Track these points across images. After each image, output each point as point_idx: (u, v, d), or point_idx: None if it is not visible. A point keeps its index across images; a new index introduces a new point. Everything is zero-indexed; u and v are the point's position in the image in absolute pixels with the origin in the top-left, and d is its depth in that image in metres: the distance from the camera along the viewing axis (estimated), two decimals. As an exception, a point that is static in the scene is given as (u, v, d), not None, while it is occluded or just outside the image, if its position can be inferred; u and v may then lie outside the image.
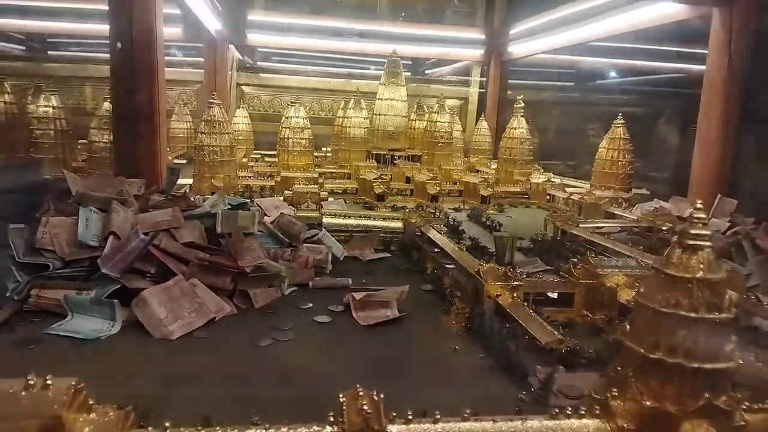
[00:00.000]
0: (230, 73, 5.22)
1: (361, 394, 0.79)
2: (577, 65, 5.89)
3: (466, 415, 0.80)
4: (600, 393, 0.85)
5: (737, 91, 2.80)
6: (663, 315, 0.77)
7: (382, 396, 0.78)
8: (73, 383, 0.66)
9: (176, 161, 3.85)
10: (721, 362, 0.76)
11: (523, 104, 3.74)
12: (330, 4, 5.93)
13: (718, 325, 0.76)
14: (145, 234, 1.43)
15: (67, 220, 1.44)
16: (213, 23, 4.41)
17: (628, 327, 0.83)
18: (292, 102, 3.55)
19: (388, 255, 2.13)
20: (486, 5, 5.62)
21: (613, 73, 5.92)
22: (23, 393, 0.64)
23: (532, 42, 4.74)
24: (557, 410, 0.81)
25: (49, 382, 0.66)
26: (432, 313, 1.54)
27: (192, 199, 1.89)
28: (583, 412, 0.82)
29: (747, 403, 0.86)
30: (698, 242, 0.78)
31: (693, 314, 0.76)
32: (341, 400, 0.78)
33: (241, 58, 5.56)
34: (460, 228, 2.48)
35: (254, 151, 4.60)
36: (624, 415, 0.80)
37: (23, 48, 5.65)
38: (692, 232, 0.78)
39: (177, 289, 1.32)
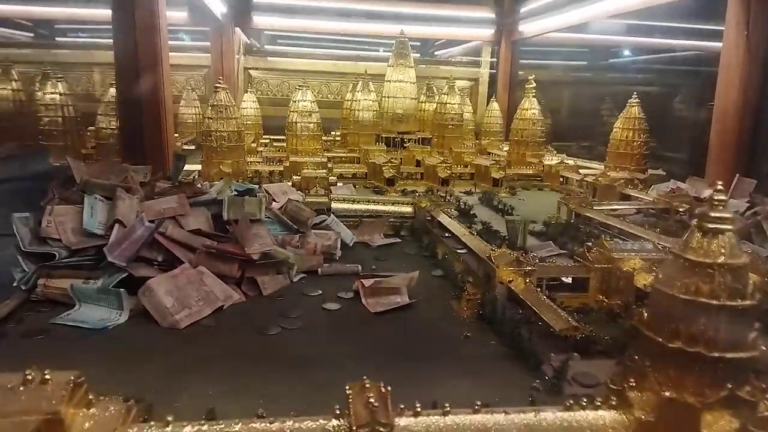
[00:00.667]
0: (237, 57, 5.18)
1: (367, 385, 0.76)
2: (590, 44, 5.77)
3: (477, 406, 0.77)
4: (616, 383, 0.82)
5: (755, 67, 2.72)
6: (683, 302, 0.74)
7: (389, 388, 0.76)
8: (73, 377, 0.64)
9: (185, 147, 3.84)
10: (743, 351, 0.72)
11: (534, 84, 3.67)
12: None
13: (741, 313, 0.72)
14: (151, 221, 1.42)
15: (72, 208, 1.43)
16: (218, 6, 4.36)
17: (645, 314, 0.80)
18: (299, 86, 3.51)
19: (398, 240, 2.11)
20: (496, -17, 5.51)
21: (627, 52, 5.79)
22: (21, 388, 0.62)
23: (544, 20, 4.64)
24: (571, 401, 0.78)
25: (47, 376, 0.64)
26: (443, 300, 1.51)
27: (199, 185, 1.87)
28: (599, 403, 0.79)
29: (771, 393, 0.84)
30: (719, 225, 0.74)
31: (714, 301, 0.72)
32: (348, 392, 0.75)
33: (248, 41, 5.51)
34: (471, 212, 2.44)
35: (263, 136, 4.57)
36: (642, 406, 0.77)
37: (31, 35, 5.65)
38: (712, 215, 0.74)
39: (184, 277, 1.31)
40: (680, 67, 5.08)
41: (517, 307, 1.36)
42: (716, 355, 0.72)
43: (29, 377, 0.64)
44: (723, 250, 0.73)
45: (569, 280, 1.53)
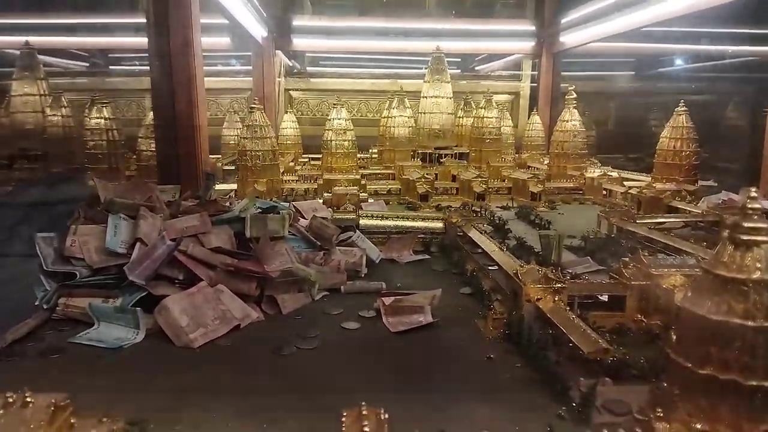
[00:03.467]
0: (278, 79, 5.29)
1: (365, 412, 0.72)
2: (634, 52, 5.59)
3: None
4: (643, 413, 0.74)
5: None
6: (714, 323, 0.66)
7: (386, 416, 0.71)
8: (54, 400, 0.63)
9: (226, 167, 3.92)
10: (787, 380, 0.64)
11: (575, 95, 3.55)
12: (377, 4, 5.91)
13: (783, 336, 0.64)
14: (172, 240, 1.42)
15: (96, 227, 1.45)
16: (259, 31, 4.47)
17: (674, 337, 0.72)
18: (334, 104, 3.53)
19: (427, 257, 2.05)
20: (536, -5, 5.42)
21: (675, 60, 5.58)
22: (1, 411, 0.61)
23: (585, 30, 4.51)
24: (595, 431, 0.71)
25: (29, 399, 0.62)
26: (469, 319, 1.44)
27: (227, 204, 1.87)
28: (622, 436, 0.71)
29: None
30: (753, 237, 0.66)
31: (750, 322, 0.64)
32: (343, 419, 0.71)
33: (289, 63, 5.62)
34: (506, 227, 2.36)
35: (303, 155, 4.62)
36: (670, 439, 0.69)
37: (86, 64, 5.95)
38: (746, 225, 0.66)
39: (200, 296, 1.30)
40: (732, 74, 4.84)
41: (546, 328, 1.28)
42: (754, 383, 0.64)
43: (10, 400, 0.63)
44: (758, 264, 0.65)
45: (605, 298, 1.44)
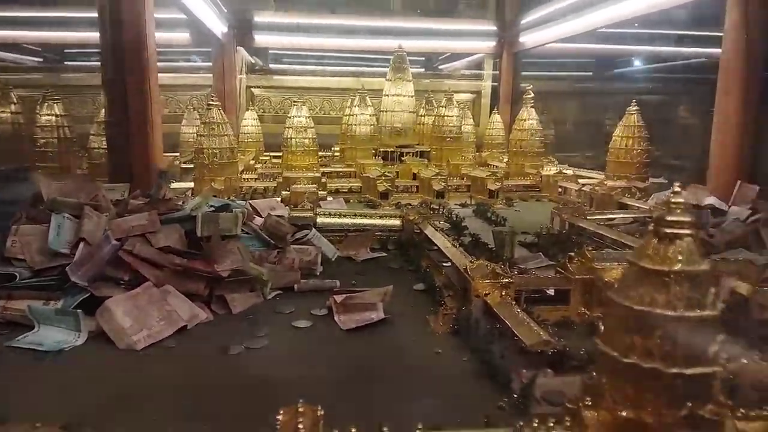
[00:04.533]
0: (240, 76, 5.22)
1: (301, 409, 0.71)
2: (592, 53, 5.72)
3: (419, 429, 0.72)
4: (574, 402, 0.76)
5: (755, 72, 2.64)
6: (637, 313, 0.68)
7: (322, 412, 0.71)
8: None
9: (184, 165, 3.85)
10: (704, 366, 0.66)
11: (532, 95, 3.62)
12: (341, 1, 5.89)
13: (701, 324, 0.66)
14: (118, 240, 1.38)
15: (39, 227, 1.40)
16: (218, 26, 4.40)
17: (601, 327, 0.74)
18: (294, 101, 3.50)
19: (384, 254, 2.06)
20: (497, -5, 5.50)
21: (630, 61, 5.74)
22: None
23: (544, 31, 4.60)
24: (521, 423, 0.72)
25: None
26: (421, 315, 1.45)
27: (180, 202, 1.84)
28: (552, 425, 0.73)
29: (743, 411, 0.77)
30: (676, 230, 0.68)
31: (671, 312, 0.66)
32: (278, 417, 0.70)
33: (252, 60, 5.55)
34: (462, 224, 2.39)
35: (264, 153, 4.58)
36: (597, 426, 0.71)
37: (40, 59, 5.75)
38: (669, 219, 0.68)
39: (145, 296, 1.27)
40: (684, 75, 5.01)
41: (495, 322, 1.30)
42: (674, 371, 0.66)
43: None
44: (680, 257, 0.67)
45: (552, 292, 1.47)
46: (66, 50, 5.80)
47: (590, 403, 0.73)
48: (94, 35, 2.40)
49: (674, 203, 0.70)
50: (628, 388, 0.70)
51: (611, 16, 3.67)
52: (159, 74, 2.45)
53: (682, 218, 0.68)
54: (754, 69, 2.66)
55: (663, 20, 4.10)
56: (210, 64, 4.97)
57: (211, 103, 2.86)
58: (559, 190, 3.21)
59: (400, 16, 5.62)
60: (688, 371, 0.66)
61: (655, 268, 0.68)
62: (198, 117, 4.79)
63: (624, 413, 0.69)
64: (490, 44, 5.32)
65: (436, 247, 1.91)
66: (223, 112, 2.91)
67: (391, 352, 1.24)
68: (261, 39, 5.06)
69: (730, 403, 0.73)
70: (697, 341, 0.66)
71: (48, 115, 3.10)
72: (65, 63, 5.86)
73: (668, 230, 0.69)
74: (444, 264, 1.76)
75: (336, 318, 1.39)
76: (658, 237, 0.69)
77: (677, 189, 0.71)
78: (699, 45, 4.65)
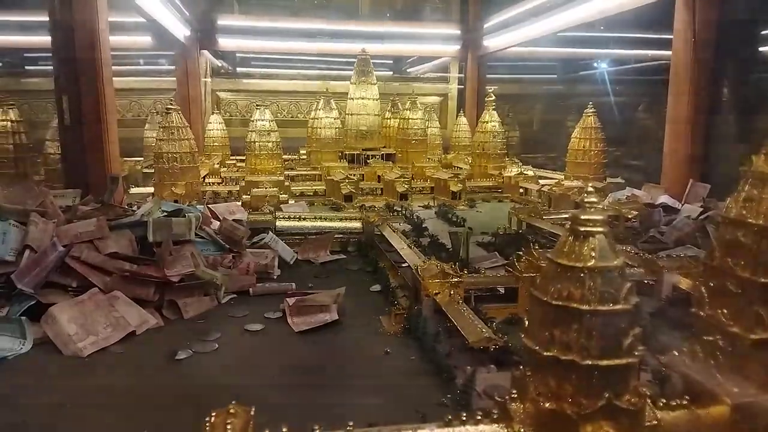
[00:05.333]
0: (204, 79, 5.17)
1: (232, 411, 0.72)
2: (555, 56, 5.84)
3: (349, 427, 0.73)
4: (502, 395, 0.79)
5: (704, 73, 2.74)
6: (555, 308, 0.71)
7: (252, 413, 0.72)
8: None
9: (146, 170, 3.80)
10: (618, 358, 0.69)
11: (494, 97, 3.68)
12: (308, 5, 5.89)
13: (614, 318, 0.69)
14: (65, 246, 1.37)
15: (-18, 235, 1.38)
16: (181, 29, 4.35)
17: (526, 322, 0.77)
18: (257, 105, 3.49)
19: (344, 257, 2.07)
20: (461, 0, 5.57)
21: (591, 63, 5.87)
22: None
23: (506, 35, 4.68)
24: (449, 417, 0.75)
25: None
26: (375, 315, 1.47)
27: (132, 207, 1.82)
28: (480, 417, 0.75)
29: (664, 401, 0.81)
30: (589, 228, 0.71)
31: (585, 306, 0.69)
32: (209, 419, 0.71)
33: (218, 64, 5.51)
34: (423, 225, 2.42)
35: (231, 157, 4.54)
36: (522, 418, 0.74)
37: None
38: (583, 217, 0.71)
39: (91, 303, 1.26)
40: (644, 77, 5.14)
41: (445, 321, 1.33)
42: (590, 363, 0.69)
43: None
44: (593, 253, 0.70)
45: (503, 290, 1.50)
46: (25, 54, 5.67)
47: (516, 396, 0.76)
48: (48, 39, 2.35)
49: (588, 203, 0.73)
50: (550, 380, 0.72)
51: (571, 19, 3.76)
52: (122, 78, 2.43)
53: (595, 217, 0.71)
54: (703, 71, 2.76)
55: (624, 23, 4.21)
56: (173, 67, 4.92)
57: (170, 107, 2.83)
58: (521, 190, 3.27)
59: (367, 19, 5.65)
60: (603, 363, 0.69)
61: (570, 265, 0.71)
62: (161, 121, 4.74)
63: (547, 405, 0.72)
64: (455, 48, 5.38)
65: (393, 249, 1.93)
66: (182, 116, 2.88)
67: (341, 352, 1.25)
68: (225, 42, 5.02)
69: (650, 393, 0.76)
70: (611, 334, 0.69)
71: (3, 120, 3.02)
72: (25, 67, 5.73)
73: (582, 228, 0.72)
74: (400, 265, 1.79)
75: (289, 320, 1.40)
76: (573, 235, 0.72)
77: (591, 190, 0.75)
78: (658, 47, 4.79)
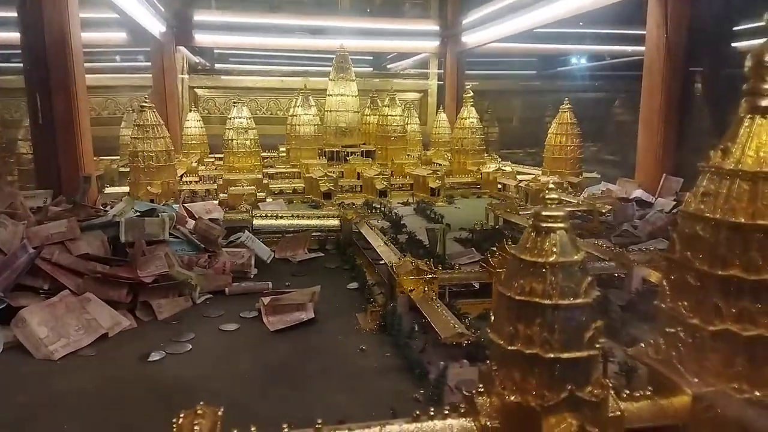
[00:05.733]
0: (181, 75, 5.12)
1: (199, 411, 0.72)
2: (534, 52, 5.89)
3: (318, 425, 0.74)
4: (469, 389, 0.80)
5: (676, 69, 2.78)
6: (518, 303, 0.72)
7: (220, 413, 0.72)
8: None
9: (122, 169, 3.76)
10: (580, 351, 0.71)
11: (471, 94, 3.70)
12: (287, 1, 5.85)
13: (575, 312, 0.71)
14: (35, 248, 1.35)
15: (-51, 238, 1.35)
16: (156, 26, 4.30)
17: (492, 317, 0.78)
18: (234, 102, 3.47)
19: (322, 254, 2.07)
20: (440, -4, 5.58)
21: (569, 59, 5.93)
22: None
23: (484, 31, 4.70)
24: (417, 412, 0.76)
25: None
26: (351, 313, 1.48)
27: (105, 207, 1.80)
28: (447, 412, 0.77)
29: (627, 392, 0.83)
30: (551, 224, 0.72)
31: (547, 301, 0.70)
32: (176, 420, 0.71)
33: (195, 60, 5.45)
34: (401, 222, 2.43)
35: (209, 155, 4.50)
36: (488, 412, 0.75)
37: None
38: (544, 213, 0.73)
39: (62, 305, 1.24)
40: (620, 72, 5.21)
41: (420, 317, 1.34)
42: (552, 356, 0.71)
43: None
44: (554, 249, 0.72)
45: (477, 286, 1.52)
46: (-1, 51, 5.55)
47: (483, 390, 0.77)
48: (17, 36, 2.31)
49: (549, 199, 0.74)
50: (514, 373, 0.74)
51: (546, 17, 3.79)
52: (96, 75, 2.39)
53: (556, 213, 0.73)
54: (676, 66, 2.81)
55: (602, 19, 4.26)
56: (148, 64, 4.86)
57: (144, 104, 2.80)
58: (499, 186, 3.30)
59: (347, 15, 5.63)
60: (565, 356, 0.70)
61: (532, 260, 0.72)
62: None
63: (512, 398, 0.73)
64: (434, 44, 5.40)
65: (371, 246, 1.93)
66: (158, 114, 2.86)
67: (316, 350, 1.26)
68: (201, 38, 4.97)
69: (613, 384, 0.78)
70: (572, 328, 0.71)
71: (-27, 120, 2.97)
72: (-1, 64, 5.60)
73: (544, 225, 0.73)
74: (378, 262, 1.79)
75: (264, 320, 1.40)
76: (536, 231, 0.74)
77: (552, 186, 0.76)
78: (634, 43, 4.85)
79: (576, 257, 0.72)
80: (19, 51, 5.16)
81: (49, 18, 2.20)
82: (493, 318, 0.78)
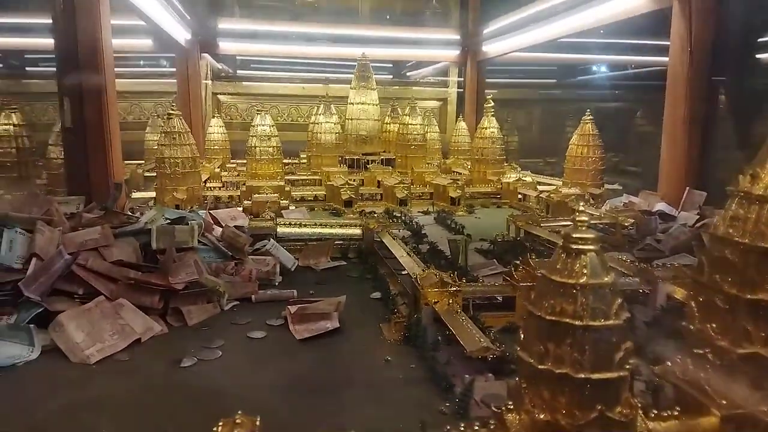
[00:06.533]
0: (205, 82, 5.20)
1: (238, 421, 0.75)
2: (555, 62, 5.88)
3: (350, 436, 0.76)
4: (499, 405, 0.82)
5: (700, 81, 2.77)
6: (549, 323, 0.74)
7: (258, 423, 0.75)
8: None
9: (147, 174, 3.83)
10: (611, 371, 0.72)
11: (492, 103, 3.71)
12: (308, 9, 5.92)
13: (606, 333, 0.72)
14: (71, 254, 1.40)
15: (-10, 243, 1.40)
16: (182, 33, 4.38)
17: (522, 336, 0.80)
18: (258, 110, 3.52)
19: (344, 263, 2.10)
20: (460, 5, 5.60)
21: (591, 69, 5.91)
22: None
23: (505, 40, 4.72)
24: (448, 427, 0.78)
25: None
26: (375, 323, 1.50)
27: (135, 214, 1.85)
28: (477, 428, 0.78)
29: (655, 411, 0.83)
30: (581, 246, 0.74)
31: (578, 322, 0.72)
32: (216, 429, 0.74)
33: (218, 67, 5.54)
34: (422, 231, 2.45)
35: (231, 161, 4.57)
36: (517, 429, 0.77)
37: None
38: (575, 235, 0.74)
39: (98, 310, 1.28)
40: (642, 83, 5.18)
41: (444, 329, 1.35)
42: (582, 376, 0.72)
43: None
44: (585, 270, 0.73)
45: (501, 299, 1.53)
46: (26, 56, 5.70)
47: (512, 407, 0.79)
48: (51, 42, 2.38)
49: (579, 221, 0.76)
50: (544, 392, 0.75)
51: (570, 26, 3.79)
52: (122, 81, 2.45)
53: (587, 235, 0.74)
54: (700, 78, 2.79)
55: (624, 30, 4.24)
56: (174, 70, 4.95)
57: (171, 112, 2.86)
58: (519, 196, 3.30)
59: (367, 23, 5.68)
60: (595, 376, 0.72)
61: (563, 281, 0.74)
62: (162, 124, 4.77)
63: (542, 416, 0.75)
64: (455, 53, 5.42)
65: (393, 256, 1.95)
66: (184, 121, 2.91)
67: (342, 360, 1.28)
68: (225, 46, 5.05)
69: (641, 404, 0.79)
70: (602, 348, 0.72)
71: (5, 124, 3.05)
72: (26, 69, 5.75)
73: (575, 246, 0.74)
74: (400, 272, 1.81)
75: (291, 328, 1.42)
76: (566, 252, 0.75)
77: (582, 208, 0.78)
78: (656, 53, 4.83)
79: (606, 279, 0.73)
80: (48, 56, 5.31)
81: (82, 25, 2.26)
82: (522, 336, 0.79)
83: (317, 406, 1.07)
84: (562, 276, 0.74)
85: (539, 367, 0.74)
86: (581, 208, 0.77)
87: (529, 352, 0.76)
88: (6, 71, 5.53)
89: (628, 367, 0.74)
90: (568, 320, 0.72)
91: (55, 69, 2.31)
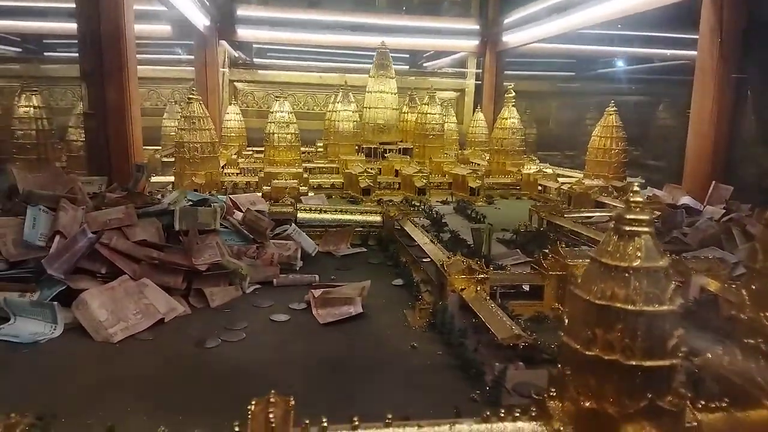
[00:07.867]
0: (222, 69, 5.18)
1: (272, 400, 0.73)
2: (575, 53, 5.78)
3: (388, 420, 0.73)
4: (540, 393, 0.79)
5: (729, 74, 2.70)
6: (598, 308, 0.70)
7: (292, 402, 0.72)
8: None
9: (164, 159, 3.83)
10: (662, 359, 0.69)
11: (513, 94, 3.65)
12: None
13: (659, 319, 0.69)
14: (94, 233, 1.38)
15: (14, 219, 1.39)
16: (200, 19, 4.36)
17: (566, 321, 0.76)
18: (276, 97, 3.49)
19: (364, 250, 2.07)
20: (480, -5, 5.53)
21: (612, 61, 5.81)
22: None
23: (526, 31, 4.65)
24: (488, 413, 0.75)
25: None
26: (398, 309, 1.47)
27: (157, 196, 1.84)
28: (518, 414, 0.75)
29: (703, 402, 0.80)
30: (635, 228, 0.70)
31: (630, 306, 0.68)
32: (250, 407, 0.72)
33: (235, 54, 5.52)
34: (442, 221, 2.41)
35: (247, 148, 4.56)
36: (561, 416, 0.74)
37: (19, 50, 5.65)
38: (628, 217, 0.71)
39: (121, 289, 1.27)
40: (664, 76, 5.09)
41: (470, 317, 1.32)
42: (633, 363, 0.69)
43: None
44: (639, 253, 0.70)
45: (527, 288, 1.50)
46: (45, 40, 5.71)
47: (555, 394, 0.76)
48: (72, 26, 2.37)
49: (633, 202, 0.72)
50: (590, 379, 0.72)
51: (592, 17, 3.72)
52: (140, 66, 2.44)
53: (641, 216, 0.71)
54: (728, 71, 2.72)
55: (644, 22, 4.16)
56: (192, 57, 4.93)
57: (191, 96, 2.84)
58: (539, 188, 3.25)
59: (385, 12, 5.62)
60: (647, 364, 0.68)
61: (615, 264, 0.70)
62: (179, 110, 4.76)
63: (587, 404, 0.71)
64: (474, 43, 5.35)
65: (415, 243, 1.93)
66: (204, 106, 2.90)
67: (367, 345, 1.26)
68: (243, 33, 5.03)
69: (690, 395, 0.76)
70: (655, 335, 0.69)
71: (26, 106, 3.05)
72: (45, 53, 5.77)
73: (628, 228, 0.71)
74: (422, 260, 1.79)
75: (314, 312, 1.40)
76: (618, 234, 0.72)
77: (636, 188, 0.74)
78: (680, 47, 4.73)
79: (661, 263, 0.70)
80: (65, 40, 5.30)
81: (105, 9, 2.25)
82: (566, 321, 0.76)
83: (346, 390, 1.05)
84: (614, 259, 0.70)
85: (586, 353, 0.71)
86: (636, 188, 0.73)
87: (575, 338, 0.73)
88: (27, 55, 5.55)
89: (681, 354, 0.70)
90: (619, 305, 0.69)
91: (77, 53, 2.30)
